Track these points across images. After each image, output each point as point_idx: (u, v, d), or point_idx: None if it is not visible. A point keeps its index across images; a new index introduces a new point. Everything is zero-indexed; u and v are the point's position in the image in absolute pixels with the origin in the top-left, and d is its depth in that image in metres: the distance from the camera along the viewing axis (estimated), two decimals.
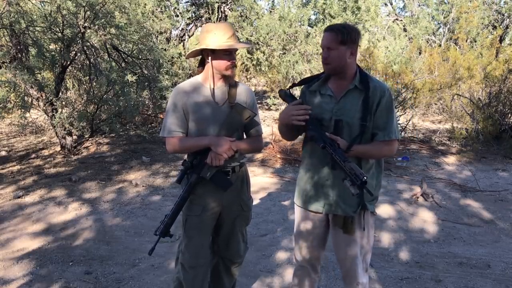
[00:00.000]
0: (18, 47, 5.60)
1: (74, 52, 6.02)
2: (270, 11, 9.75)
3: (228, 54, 1.99)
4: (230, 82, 2.09)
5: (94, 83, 6.56)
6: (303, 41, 8.65)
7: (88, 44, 6.14)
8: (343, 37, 1.77)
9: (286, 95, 2.00)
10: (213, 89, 2.06)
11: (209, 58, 2.00)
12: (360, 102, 1.83)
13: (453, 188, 4.91)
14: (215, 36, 1.97)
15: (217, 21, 8.97)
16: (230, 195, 2.12)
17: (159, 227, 2.03)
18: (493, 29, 11.10)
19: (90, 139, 6.90)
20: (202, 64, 2.10)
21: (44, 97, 5.80)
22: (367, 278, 2.02)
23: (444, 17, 12.13)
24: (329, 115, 1.87)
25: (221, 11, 9.30)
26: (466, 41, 9.43)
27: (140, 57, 6.56)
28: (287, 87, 2.07)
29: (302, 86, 2.06)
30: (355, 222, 1.89)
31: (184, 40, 9.98)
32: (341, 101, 1.87)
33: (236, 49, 2.04)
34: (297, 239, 2.11)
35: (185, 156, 2.15)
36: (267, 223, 3.89)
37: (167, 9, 8.98)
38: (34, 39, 5.61)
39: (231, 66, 2.01)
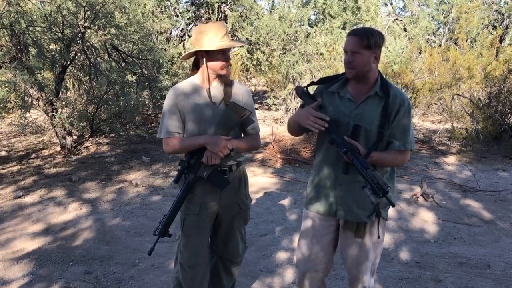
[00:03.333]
0: (18, 47, 5.60)
1: (74, 52, 6.02)
2: (270, 11, 9.75)
3: (222, 54, 1.99)
4: (225, 81, 2.09)
5: (94, 83, 6.55)
6: (303, 41, 8.65)
7: (88, 44, 6.14)
8: (368, 41, 1.76)
9: (303, 93, 1.99)
10: (209, 89, 2.06)
11: (204, 59, 2.01)
12: (379, 109, 1.82)
13: (453, 188, 4.91)
14: (208, 37, 1.96)
15: (217, 21, 8.97)
16: (228, 194, 2.12)
17: (158, 227, 2.03)
18: (493, 29, 11.09)
19: (90, 139, 6.90)
20: (196, 65, 2.11)
21: (44, 97, 5.80)
22: (373, 281, 2.02)
23: (444, 17, 12.12)
24: (347, 120, 1.85)
25: (221, 11, 9.31)
26: (466, 41, 9.43)
27: (140, 57, 6.55)
28: (306, 84, 2.05)
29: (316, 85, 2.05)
30: (367, 227, 1.88)
31: (184, 40, 9.97)
32: (360, 106, 1.85)
33: (230, 48, 2.04)
34: (302, 243, 2.05)
35: (183, 156, 2.15)
36: (267, 223, 3.89)
37: (167, 9, 8.98)
38: (34, 39, 5.60)
39: (226, 65, 2.01)
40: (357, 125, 1.82)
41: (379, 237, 1.90)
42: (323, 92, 1.97)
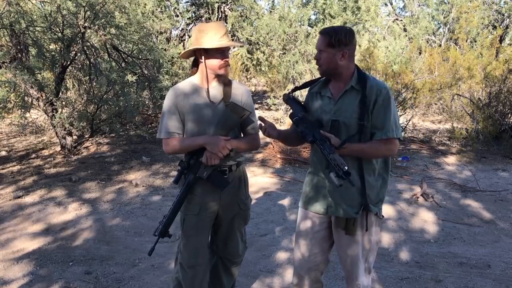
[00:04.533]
0: (18, 47, 5.60)
1: (74, 52, 6.02)
2: (270, 11, 9.76)
3: (220, 53, 2.00)
4: (224, 81, 2.09)
5: (94, 83, 6.56)
6: (303, 41, 8.65)
7: (88, 44, 6.14)
8: (330, 40, 1.81)
9: (288, 99, 2.03)
10: (208, 88, 2.07)
11: (203, 58, 2.02)
12: (357, 101, 1.84)
13: (453, 188, 4.91)
14: (207, 35, 1.97)
15: (217, 21, 8.97)
16: (228, 194, 2.12)
17: (158, 228, 2.03)
18: (493, 29, 11.10)
19: (90, 139, 6.90)
20: (195, 64, 2.11)
21: (44, 97, 5.80)
22: (369, 279, 2.00)
23: (444, 17, 12.13)
24: (328, 116, 1.90)
25: (221, 11, 9.31)
26: (466, 41, 9.43)
27: (140, 57, 6.55)
28: (289, 91, 2.09)
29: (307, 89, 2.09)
30: (357, 223, 1.88)
31: (184, 40, 9.98)
32: (338, 101, 1.89)
33: (229, 48, 2.05)
34: (297, 243, 2.06)
35: (183, 156, 2.15)
36: (267, 223, 3.89)
37: (167, 9, 8.98)
38: (34, 39, 5.61)
39: (224, 65, 2.02)
40: (334, 120, 1.87)
41: (366, 229, 1.89)
42: (308, 95, 2.04)
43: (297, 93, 8.74)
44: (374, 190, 1.89)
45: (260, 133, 2.08)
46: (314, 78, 2.13)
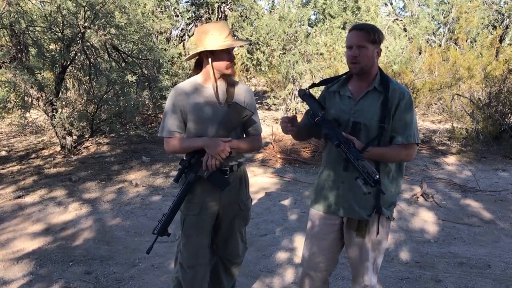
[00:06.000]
0: (18, 47, 5.60)
1: (74, 52, 6.02)
2: (270, 11, 9.76)
3: (227, 53, 2.00)
4: (229, 81, 2.09)
5: (94, 83, 6.56)
6: (303, 41, 8.65)
7: (88, 44, 6.14)
8: (374, 36, 1.78)
9: (305, 95, 2.00)
10: (216, 87, 2.06)
11: (209, 59, 2.01)
12: (379, 104, 1.82)
13: (453, 188, 4.91)
14: (212, 37, 1.97)
15: (217, 20, 8.97)
16: (229, 194, 2.12)
17: (157, 226, 2.03)
18: (493, 29, 11.10)
19: (90, 139, 6.90)
20: (199, 65, 2.10)
21: (44, 97, 5.80)
22: (375, 280, 2.01)
23: (444, 17, 12.12)
24: (347, 117, 1.86)
25: (221, 11, 9.32)
26: (466, 41, 9.43)
27: (140, 57, 6.56)
28: (307, 87, 2.05)
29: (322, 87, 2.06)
30: (369, 225, 1.88)
31: (184, 40, 9.98)
32: (359, 102, 1.86)
33: (234, 48, 2.05)
34: (307, 242, 2.05)
35: (184, 156, 2.15)
36: (267, 223, 3.89)
37: (167, 9, 8.98)
38: (34, 39, 5.61)
39: (231, 65, 2.02)
40: (356, 121, 1.83)
41: (378, 233, 1.89)
42: (325, 93, 2.00)
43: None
44: (388, 193, 1.88)
45: (262, 133, 2.06)
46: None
